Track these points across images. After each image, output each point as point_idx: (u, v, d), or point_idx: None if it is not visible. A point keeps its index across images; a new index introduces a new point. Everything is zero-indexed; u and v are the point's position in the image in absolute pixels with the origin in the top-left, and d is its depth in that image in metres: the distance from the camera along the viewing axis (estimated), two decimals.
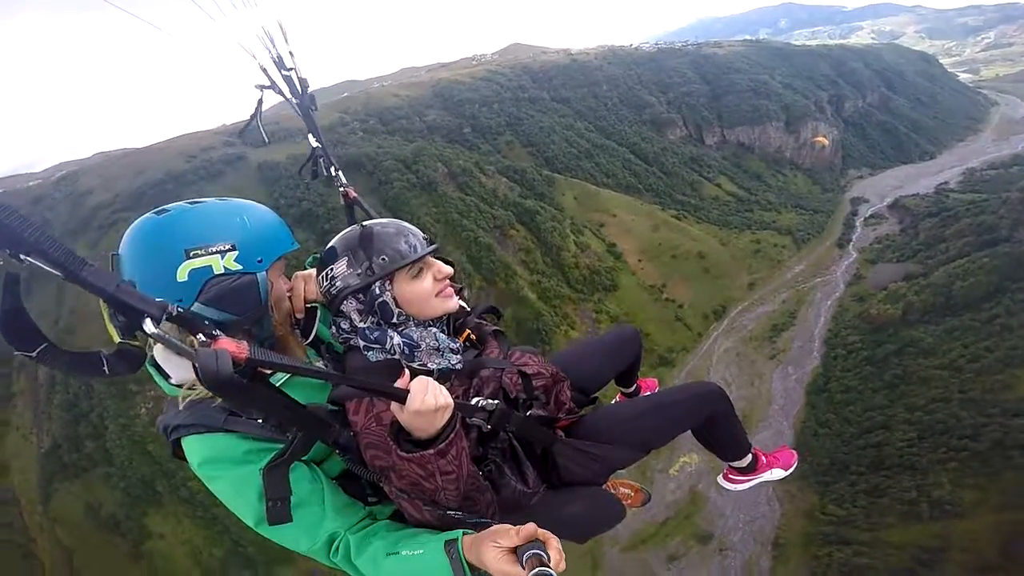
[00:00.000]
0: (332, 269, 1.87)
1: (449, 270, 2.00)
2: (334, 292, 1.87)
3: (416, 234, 1.94)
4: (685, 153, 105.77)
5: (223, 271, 1.62)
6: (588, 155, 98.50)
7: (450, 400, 1.52)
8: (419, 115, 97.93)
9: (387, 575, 1.55)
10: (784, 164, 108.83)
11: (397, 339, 1.84)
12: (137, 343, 1.47)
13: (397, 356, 1.83)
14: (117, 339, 1.46)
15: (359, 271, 1.84)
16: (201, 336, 1.23)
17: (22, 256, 0.99)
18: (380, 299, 1.85)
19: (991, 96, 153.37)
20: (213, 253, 1.61)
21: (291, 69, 2.67)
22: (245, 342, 1.22)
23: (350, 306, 1.87)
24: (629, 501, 2.90)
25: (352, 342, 1.89)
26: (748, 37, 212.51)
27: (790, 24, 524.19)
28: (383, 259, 1.84)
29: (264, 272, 1.72)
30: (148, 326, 1.16)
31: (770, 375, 61.21)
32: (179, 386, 1.71)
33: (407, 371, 1.55)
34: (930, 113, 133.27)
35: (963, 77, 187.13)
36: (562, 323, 67.66)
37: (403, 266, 1.86)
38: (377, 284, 1.85)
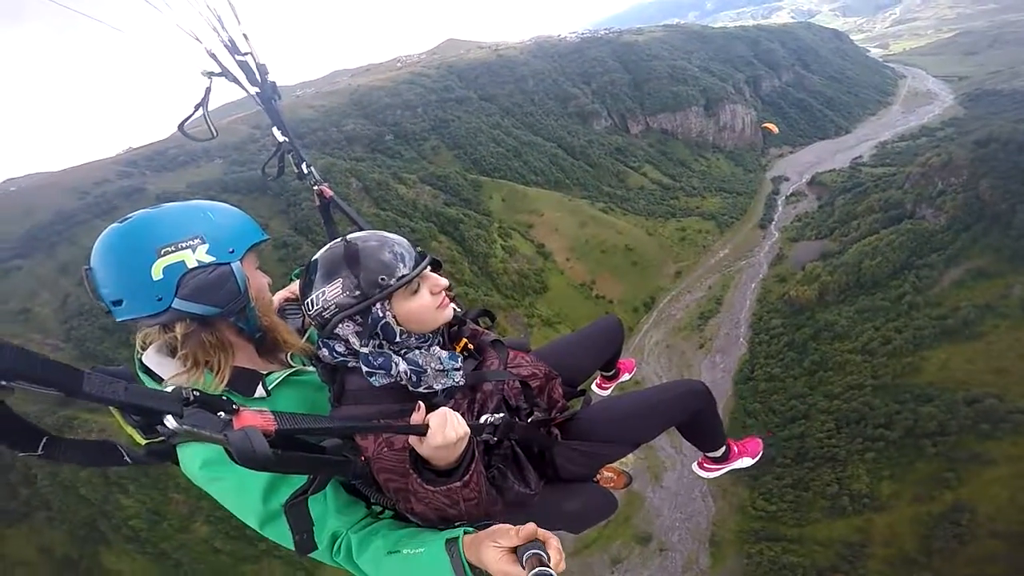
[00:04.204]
0: (324, 292, 1.75)
1: (444, 282, 1.89)
2: (327, 316, 1.75)
3: (405, 245, 1.84)
4: (611, 144, 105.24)
5: (196, 264, 1.62)
6: (516, 153, 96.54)
7: (468, 429, 1.54)
8: (336, 126, 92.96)
9: (388, 574, 1.55)
10: (707, 148, 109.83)
11: (403, 366, 1.75)
12: (162, 439, 1.46)
13: (404, 383, 1.75)
14: (141, 440, 1.49)
15: (356, 293, 1.72)
16: (223, 414, 1.19)
17: (3, 383, 0.92)
18: (383, 321, 1.76)
19: (899, 70, 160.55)
20: (184, 248, 1.61)
21: (246, 54, 2.39)
22: (268, 410, 1.21)
23: (347, 329, 1.76)
24: (612, 484, 3.03)
25: (351, 364, 1.79)
26: (679, 20, 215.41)
27: (716, 6, 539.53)
28: (382, 279, 1.73)
29: (238, 262, 1.71)
30: (170, 422, 1.11)
31: (699, 366, 60.94)
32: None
33: (422, 405, 1.56)
34: (843, 89, 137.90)
35: (874, 52, 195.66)
36: (493, 331, 65.83)
37: (404, 284, 1.76)
38: (378, 306, 1.74)
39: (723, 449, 2.97)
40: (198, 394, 1.18)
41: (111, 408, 1.18)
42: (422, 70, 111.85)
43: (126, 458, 1.30)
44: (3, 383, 0.91)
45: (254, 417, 1.16)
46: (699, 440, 2.87)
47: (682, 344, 64.97)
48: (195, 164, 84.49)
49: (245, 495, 1.58)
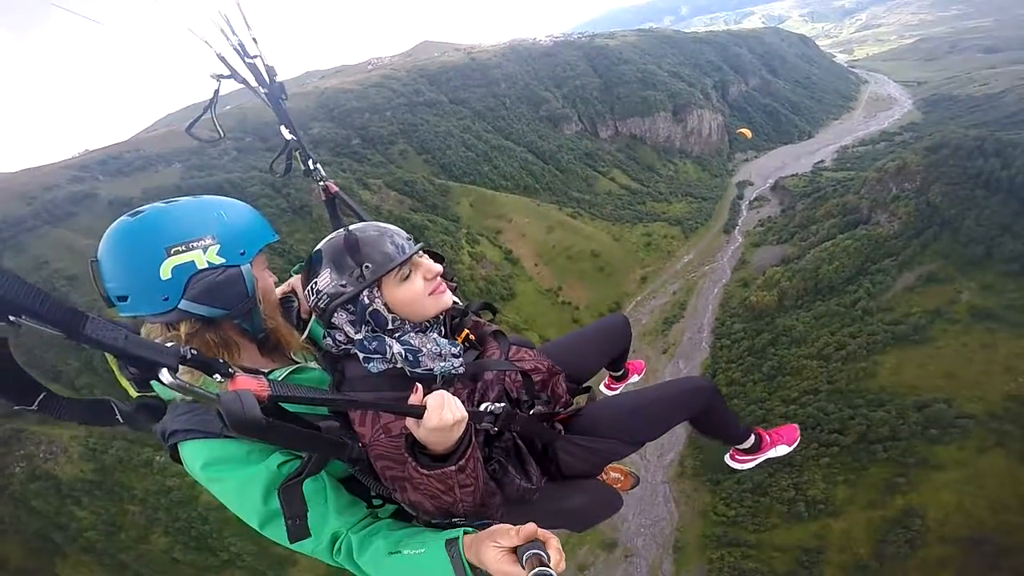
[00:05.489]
0: (316, 283, 1.79)
1: (438, 268, 1.87)
2: (322, 306, 1.79)
3: (400, 234, 1.84)
4: (580, 148, 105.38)
5: (206, 266, 1.60)
6: (486, 158, 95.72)
7: (465, 413, 1.53)
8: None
9: (389, 574, 1.55)
10: (674, 153, 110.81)
11: (397, 347, 1.75)
12: (155, 393, 1.51)
13: (400, 365, 1.76)
14: (133, 393, 1.51)
15: (343, 281, 1.75)
16: (218, 376, 1.20)
17: (11, 317, 0.92)
18: (371, 308, 1.78)
19: (862, 75, 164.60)
20: (194, 248, 1.59)
21: (255, 56, 2.46)
22: (263, 377, 1.22)
23: (341, 318, 1.78)
24: (620, 485, 3.01)
25: (351, 351, 1.81)
26: (653, 25, 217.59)
27: (691, 11, 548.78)
28: (367, 266, 1.74)
29: (248, 264, 1.71)
30: (165, 377, 1.12)
31: (663, 371, 61.01)
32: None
33: (420, 386, 1.55)
34: (808, 94, 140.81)
35: (839, 57, 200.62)
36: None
37: (389, 271, 1.76)
38: (365, 293, 1.76)
39: (752, 439, 2.92)
40: (195, 353, 1.17)
41: (108, 358, 1.20)
42: (392, 72, 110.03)
43: (118, 417, 1.33)
44: (10, 318, 0.88)
45: (249, 381, 1.15)
46: (719, 435, 2.85)
47: (647, 349, 65.04)
48: (152, 169, 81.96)
49: (246, 495, 1.56)
